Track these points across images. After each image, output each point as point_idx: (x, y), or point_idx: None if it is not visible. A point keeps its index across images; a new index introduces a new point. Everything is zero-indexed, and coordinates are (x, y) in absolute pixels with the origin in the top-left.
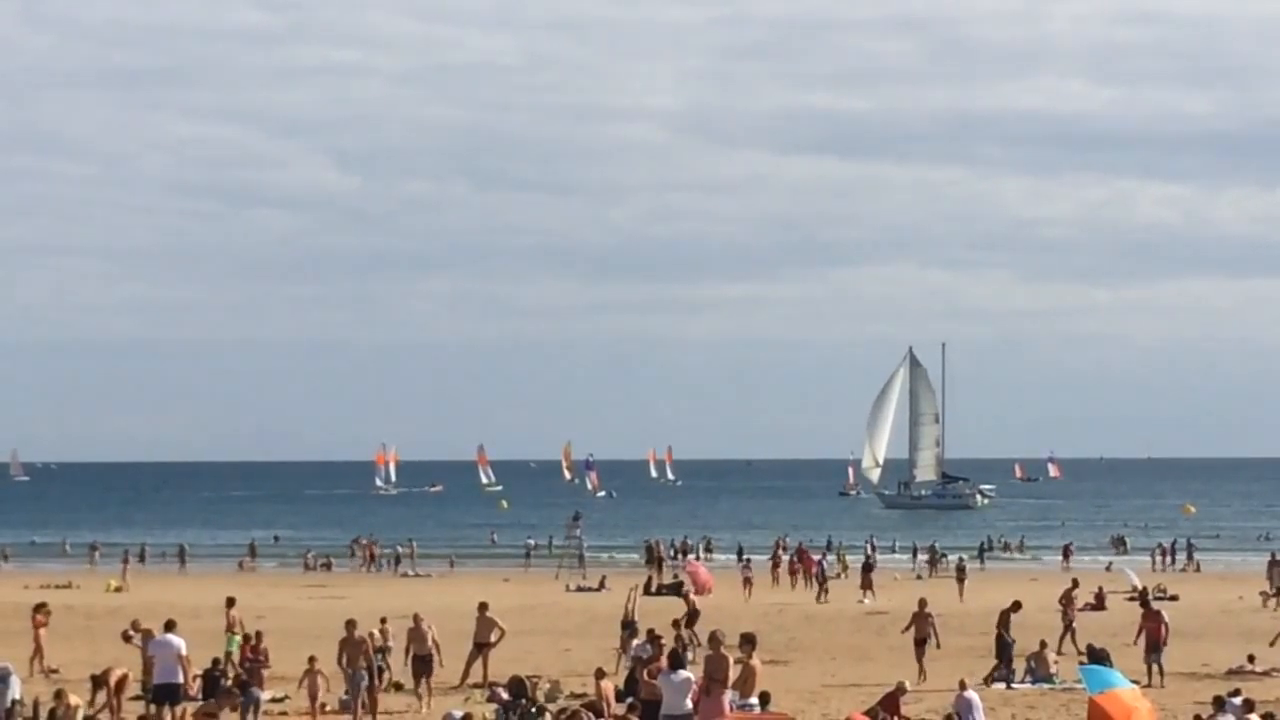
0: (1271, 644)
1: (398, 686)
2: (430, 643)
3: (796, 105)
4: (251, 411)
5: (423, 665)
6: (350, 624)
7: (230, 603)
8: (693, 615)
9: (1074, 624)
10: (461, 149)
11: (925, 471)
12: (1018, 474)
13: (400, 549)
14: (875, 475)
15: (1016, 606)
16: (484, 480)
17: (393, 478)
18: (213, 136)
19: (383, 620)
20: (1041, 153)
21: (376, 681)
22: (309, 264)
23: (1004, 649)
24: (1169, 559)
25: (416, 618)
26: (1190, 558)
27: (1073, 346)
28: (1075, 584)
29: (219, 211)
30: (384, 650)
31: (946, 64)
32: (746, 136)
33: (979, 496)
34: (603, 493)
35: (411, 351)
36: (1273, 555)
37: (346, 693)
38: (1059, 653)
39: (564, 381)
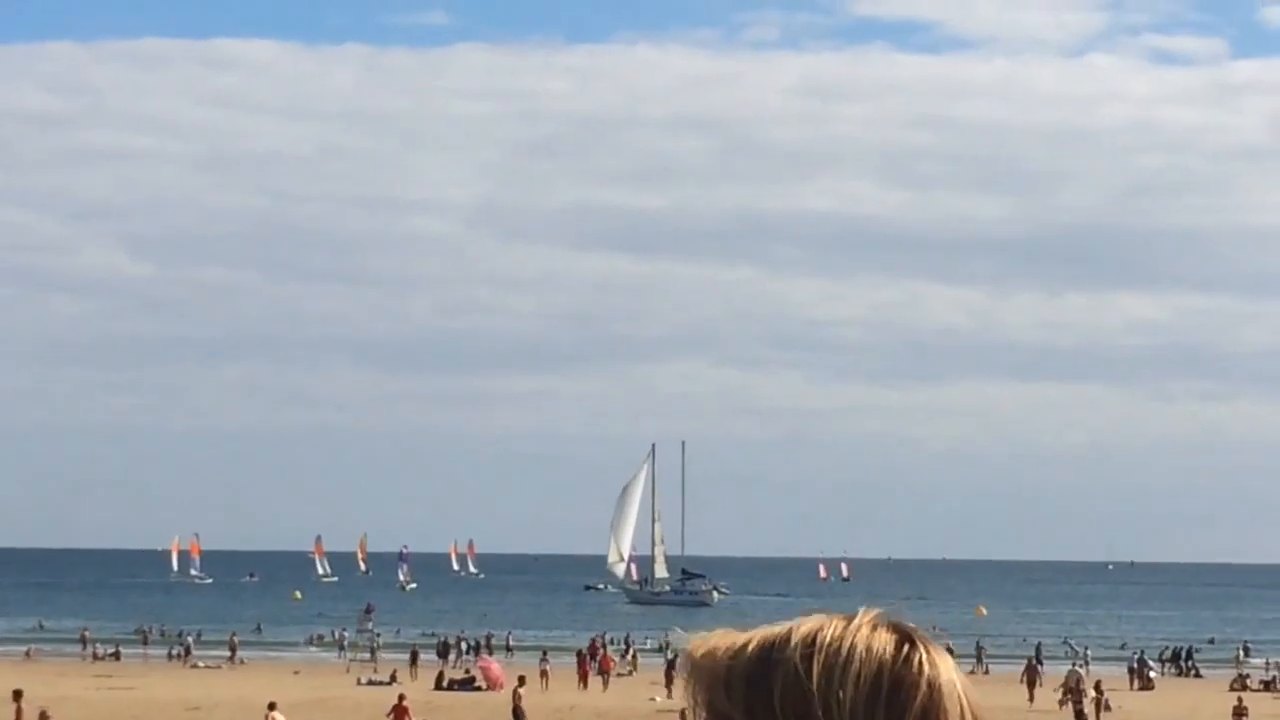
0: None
1: None
2: None
3: (590, 201)
4: (40, 498)
5: None
6: None
7: (17, 695)
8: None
9: None
10: (254, 237)
11: (664, 568)
12: (822, 574)
13: (190, 639)
14: (620, 570)
15: None
16: (320, 571)
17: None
18: (2, 221)
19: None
20: (833, 254)
21: None
22: (100, 350)
23: None
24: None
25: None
26: (980, 660)
27: (863, 447)
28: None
29: (9, 296)
30: None
31: (738, 163)
32: (540, 231)
33: (715, 593)
34: (414, 584)
35: (204, 440)
36: (1029, 660)
37: None
38: None
39: (360, 473)
